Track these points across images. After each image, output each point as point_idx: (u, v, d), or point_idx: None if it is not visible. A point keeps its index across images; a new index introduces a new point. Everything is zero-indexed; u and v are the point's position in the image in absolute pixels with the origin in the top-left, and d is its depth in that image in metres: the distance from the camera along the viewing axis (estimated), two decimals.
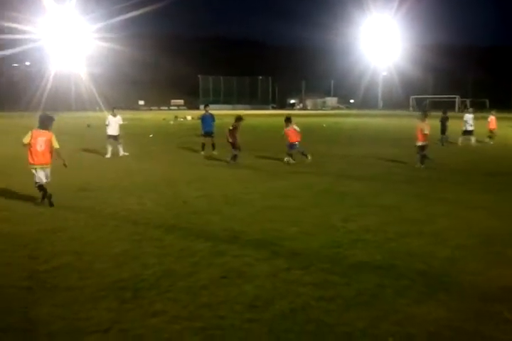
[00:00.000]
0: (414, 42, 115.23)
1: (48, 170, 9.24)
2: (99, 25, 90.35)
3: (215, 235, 7.21)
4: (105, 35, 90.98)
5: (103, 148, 17.65)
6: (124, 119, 18.37)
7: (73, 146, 19.79)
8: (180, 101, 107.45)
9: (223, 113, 61.57)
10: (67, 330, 4.32)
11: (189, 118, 50.14)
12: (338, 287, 5.25)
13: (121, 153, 17.35)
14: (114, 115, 17.41)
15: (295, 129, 15.47)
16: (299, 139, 15.36)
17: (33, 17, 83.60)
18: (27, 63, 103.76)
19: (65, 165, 9.33)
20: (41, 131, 9.15)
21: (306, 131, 32.12)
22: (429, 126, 14.42)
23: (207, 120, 18.36)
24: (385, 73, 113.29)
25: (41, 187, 9.11)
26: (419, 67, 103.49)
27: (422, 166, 14.20)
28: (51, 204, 9.00)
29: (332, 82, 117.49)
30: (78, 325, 4.42)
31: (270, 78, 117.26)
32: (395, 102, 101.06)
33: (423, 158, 14.35)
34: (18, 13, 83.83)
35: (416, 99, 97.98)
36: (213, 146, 17.96)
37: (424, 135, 14.24)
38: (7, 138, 25.23)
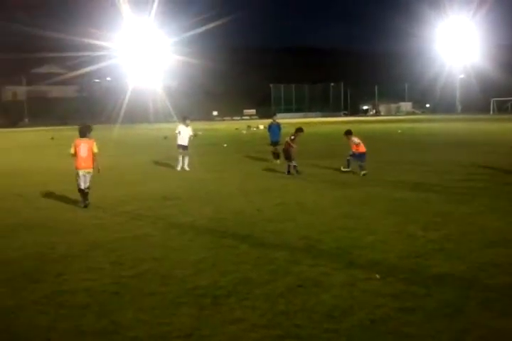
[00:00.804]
0: (494, 42, 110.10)
1: (89, 176, 10.40)
2: (175, 39, 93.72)
3: (291, 243, 7.23)
4: (180, 49, 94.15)
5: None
6: (196, 130, 18.08)
7: (152, 157, 20.59)
8: (253, 111, 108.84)
9: (294, 121, 61.58)
10: (151, 335, 4.49)
11: (261, 127, 50.59)
12: (418, 298, 5.10)
13: (185, 166, 16.64)
14: (187, 125, 17.02)
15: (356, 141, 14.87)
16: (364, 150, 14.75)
17: (113, 33, 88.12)
18: (108, 78, 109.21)
19: (98, 170, 10.42)
20: (82, 139, 10.41)
21: (380, 137, 31.65)
22: None
23: (274, 129, 18.51)
24: (462, 75, 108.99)
25: (81, 191, 10.34)
26: (500, 68, 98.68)
27: None
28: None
29: (406, 86, 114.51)
30: (161, 330, 4.58)
31: (342, 84, 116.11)
32: (475, 106, 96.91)
33: None
34: (98, 29, 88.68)
35: (497, 101, 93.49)
36: (278, 156, 17.77)
37: None
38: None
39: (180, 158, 16.74)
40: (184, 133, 16.88)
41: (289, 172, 14.85)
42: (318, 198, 10.84)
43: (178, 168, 16.64)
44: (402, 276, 5.73)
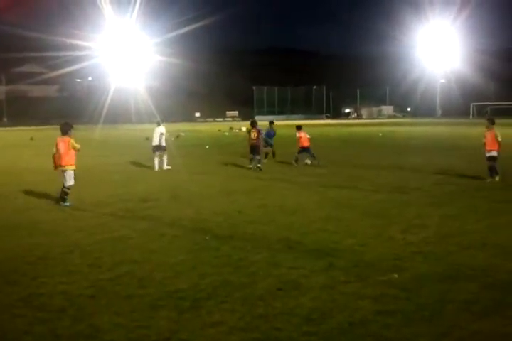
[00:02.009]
0: (474, 47, 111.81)
1: (68, 173, 10.43)
2: (157, 39, 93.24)
3: (271, 245, 7.22)
4: (163, 49, 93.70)
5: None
6: (178, 131, 19.07)
7: (133, 159, 20.42)
8: (235, 113, 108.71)
9: (278, 124, 61.65)
10: (129, 338, 4.43)
11: (244, 129, 50.60)
12: (397, 301, 5.12)
13: (165, 166, 16.91)
14: (158, 124, 17.72)
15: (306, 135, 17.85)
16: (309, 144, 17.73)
17: (95, 33, 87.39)
18: (89, 78, 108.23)
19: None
20: (62, 137, 10.52)
21: (362, 141, 31.90)
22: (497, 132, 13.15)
23: (271, 134, 19.86)
24: (443, 80, 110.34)
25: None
26: (479, 73, 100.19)
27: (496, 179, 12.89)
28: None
29: (387, 89, 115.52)
30: (139, 333, 4.52)
31: (324, 87, 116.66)
32: (455, 110, 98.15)
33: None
34: (80, 30, 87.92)
35: (477, 106, 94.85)
36: (266, 155, 19.09)
37: (499, 143, 12.98)
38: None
39: (156, 159, 16.95)
40: (156, 134, 17.20)
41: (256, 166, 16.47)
42: (299, 200, 10.85)
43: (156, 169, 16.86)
44: (381, 279, 5.74)
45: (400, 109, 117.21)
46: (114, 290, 5.56)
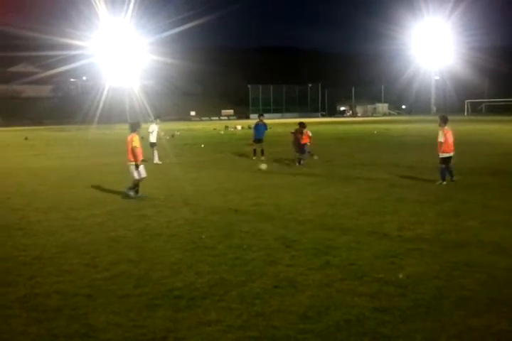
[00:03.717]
0: (468, 44, 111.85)
1: (130, 168, 11.14)
2: (152, 39, 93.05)
3: (268, 244, 7.22)
4: (157, 49, 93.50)
5: (159, 158, 18.27)
6: (173, 131, 19.76)
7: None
8: (230, 112, 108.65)
9: (273, 122, 61.70)
10: (125, 338, 4.43)
11: (239, 128, 50.60)
12: (393, 298, 5.14)
13: (156, 160, 18.47)
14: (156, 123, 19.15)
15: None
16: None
17: (89, 33, 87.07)
18: (84, 78, 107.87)
19: (137, 164, 11.10)
20: (132, 134, 11.28)
21: (357, 138, 31.92)
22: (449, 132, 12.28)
23: (260, 128, 19.38)
24: (437, 77, 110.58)
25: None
26: (474, 71, 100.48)
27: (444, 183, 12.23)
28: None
29: (382, 87, 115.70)
30: (135, 332, 4.52)
31: (320, 85, 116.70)
32: (449, 107, 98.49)
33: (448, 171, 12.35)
34: (74, 29, 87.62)
35: (471, 103, 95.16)
36: (262, 152, 19.11)
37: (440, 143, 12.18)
38: (70, 151, 26.30)
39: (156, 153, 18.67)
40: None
41: (299, 163, 16.87)
42: (295, 198, 10.86)
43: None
44: (378, 276, 5.76)
45: (395, 106, 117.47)
46: (111, 289, 5.55)
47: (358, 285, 5.50)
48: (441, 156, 12.25)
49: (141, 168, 11.20)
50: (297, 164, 16.87)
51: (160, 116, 20.83)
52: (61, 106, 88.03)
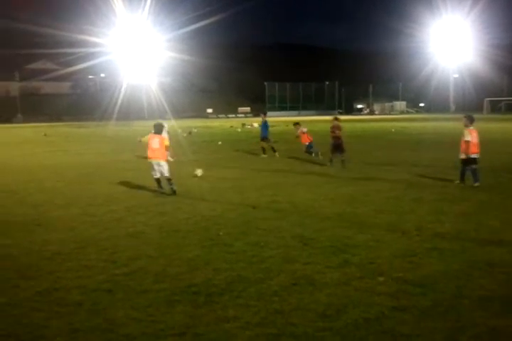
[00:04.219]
0: (487, 42, 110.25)
1: (164, 165, 11.48)
2: (169, 36, 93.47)
3: (285, 241, 7.22)
4: (174, 46, 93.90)
5: (176, 155, 18.31)
6: (190, 128, 19.18)
7: (144, 155, 20.49)
8: (247, 109, 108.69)
9: (289, 119, 61.49)
10: (145, 333, 4.47)
11: (256, 125, 50.53)
12: (413, 297, 5.10)
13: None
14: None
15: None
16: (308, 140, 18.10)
17: (107, 30, 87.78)
18: (102, 75, 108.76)
19: (168, 159, 11.86)
20: (155, 135, 11.69)
21: (374, 136, 31.70)
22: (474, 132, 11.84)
23: (263, 126, 19.86)
24: (456, 75, 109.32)
25: (157, 180, 11.60)
26: (493, 68, 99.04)
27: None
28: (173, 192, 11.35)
29: (400, 85, 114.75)
30: (155, 327, 4.55)
31: (337, 83, 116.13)
32: (468, 105, 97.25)
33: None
34: (93, 27, 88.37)
35: (491, 101, 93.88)
36: (273, 149, 19.34)
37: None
38: (89, 147, 26.56)
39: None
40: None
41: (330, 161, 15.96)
42: (312, 196, 10.83)
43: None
44: (397, 275, 5.73)
45: (413, 104, 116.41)
46: (130, 284, 5.61)
47: (377, 283, 5.48)
48: (466, 157, 11.72)
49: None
50: (328, 163, 15.93)
51: (162, 116, 20.69)
52: (80, 102, 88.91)
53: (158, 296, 5.25)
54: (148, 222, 8.60)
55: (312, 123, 56.43)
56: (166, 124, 17.91)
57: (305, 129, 18.50)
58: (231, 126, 49.67)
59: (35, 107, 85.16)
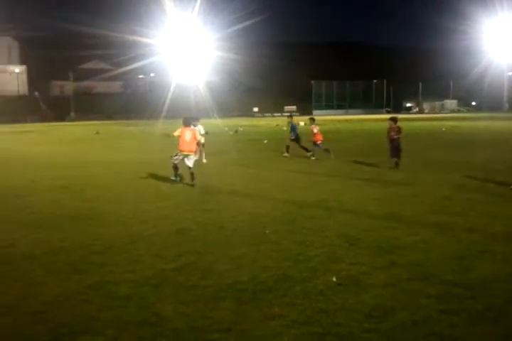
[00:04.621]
0: None
1: (192, 158, 12.21)
2: (217, 35, 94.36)
3: (331, 241, 7.18)
4: (222, 45, 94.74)
5: (220, 154, 18.47)
6: (237, 126, 18.03)
7: None
8: (293, 108, 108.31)
9: (336, 118, 60.92)
10: (192, 327, 4.55)
11: (302, 124, 50.27)
12: (462, 300, 4.98)
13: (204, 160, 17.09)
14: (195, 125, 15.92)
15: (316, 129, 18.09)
16: (321, 139, 18.06)
17: (158, 30, 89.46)
18: (152, 74, 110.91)
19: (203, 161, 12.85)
20: (187, 127, 12.38)
21: (424, 136, 30.98)
22: None
23: (293, 128, 19.94)
24: (510, 73, 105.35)
25: (175, 166, 12.38)
26: None
27: None
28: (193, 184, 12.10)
29: (451, 83, 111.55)
30: (201, 322, 4.63)
31: (385, 81, 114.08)
32: None
33: None
34: (143, 27, 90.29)
35: None
36: (305, 149, 19.04)
37: None
38: (138, 145, 27.16)
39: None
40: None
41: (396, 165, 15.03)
42: (359, 195, 10.71)
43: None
44: (446, 278, 5.60)
45: (465, 103, 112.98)
46: (178, 280, 5.72)
47: (425, 286, 5.37)
48: None
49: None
50: (394, 166, 14.90)
51: (197, 117, 17.29)
52: (130, 101, 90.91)
53: (205, 292, 5.33)
54: (195, 219, 8.73)
55: (359, 122, 55.74)
56: (200, 126, 16.40)
57: (316, 129, 18.30)
58: (277, 125, 49.60)
59: (87, 106, 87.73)
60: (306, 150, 18.88)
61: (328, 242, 7.11)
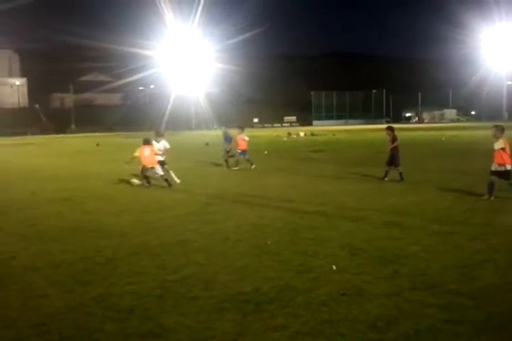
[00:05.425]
0: None
1: (157, 168, 14.44)
2: (217, 47, 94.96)
3: (333, 251, 7.17)
4: (222, 56, 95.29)
5: (221, 165, 18.52)
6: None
7: (192, 164, 20.85)
8: (293, 118, 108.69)
9: (335, 128, 61.12)
10: (194, 339, 4.53)
11: (302, 134, 50.57)
12: (466, 310, 4.97)
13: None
14: (158, 141, 15.34)
15: (244, 138, 18.72)
16: (246, 147, 18.75)
17: (157, 42, 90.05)
18: (152, 86, 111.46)
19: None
20: (146, 146, 14.70)
21: (424, 145, 31.06)
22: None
23: (228, 139, 20.20)
24: (509, 82, 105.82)
25: (145, 177, 14.54)
26: None
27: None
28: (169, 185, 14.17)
29: (450, 92, 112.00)
30: (204, 334, 4.61)
31: (384, 91, 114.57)
32: None
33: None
34: (144, 39, 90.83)
35: None
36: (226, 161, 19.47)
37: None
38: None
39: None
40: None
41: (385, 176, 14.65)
42: (360, 205, 10.71)
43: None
44: (449, 287, 5.59)
45: (464, 112, 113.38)
46: (180, 291, 5.71)
47: (429, 295, 5.36)
48: (499, 169, 11.07)
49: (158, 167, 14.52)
50: (385, 178, 14.57)
51: (162, 133, 16.29)
52: (130, 113, 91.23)
53: (208, 303, 5.32)
54: (198, 230, 8.73)
55: (360, 132, 55.88)
56: (164, 141, 15.40)
57: (243, 138, 18.84)
58: (277, 136, 49.80)
59: (87, 118, 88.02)
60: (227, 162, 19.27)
61: (330, 252, 7.10)
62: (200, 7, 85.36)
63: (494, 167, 11.23)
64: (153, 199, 12.35)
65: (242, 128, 19.78)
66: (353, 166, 18.34)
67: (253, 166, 18.54)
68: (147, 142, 14.94)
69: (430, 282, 5.76)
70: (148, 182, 14.52)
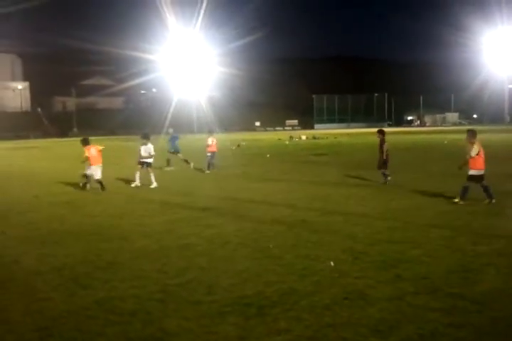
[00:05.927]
0: None
1: (99, 169, 14.51)
2: (219, 50, 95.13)
3: (335, 255, 7.16)
4: (224, 60, 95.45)
5: (224, 168, 18.52)
6: (239, 141, 17.34)
7: (200, 165, 20.86)
8: (295, 122, 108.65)
9: (337, 132, 61.03)
10: None
11: (304, 138, 50.52)
12: (468, 314, 4.96)
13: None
14: (145, 144, 15.45)
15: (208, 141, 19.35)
16: (213, 150, 19.39)
17: (160, 46, 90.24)
18: (154, 90, 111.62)
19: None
20: (88, 146, 14.70)
21: (426, 148, 31.00)
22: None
23: (173, 139, 21.73)
24: (511, 85, 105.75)
25: (85, 175, 14.78)
26: None
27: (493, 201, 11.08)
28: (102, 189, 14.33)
29: (452, 96, 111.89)
30: (207, 338, 4.61)
31: (386, 94, 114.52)
32: None
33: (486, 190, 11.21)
34: (146, 43, 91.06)
35: None
36: (186, 161, 20.76)
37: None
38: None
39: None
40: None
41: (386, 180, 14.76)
42: (362, 209, 10.71)
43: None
44: (451, 291, 5.58)
45: (466, 115, 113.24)
46: (182, 295, 5.70)
47: (431, 299, 5.35)
48: (477, 173, 11.30)
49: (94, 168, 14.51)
50: (386, 181, 14.69)
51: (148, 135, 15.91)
52: (132, 117, 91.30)
53: (210, 307, 5.31)
54: (199, 234, 8.72)
55: (362, 135, 55.84)
56: (150, 145, 15.42)
57: (212, 141, 19.39)
58: (279, 139, 49.77)
59: (89, 121, 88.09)
60: (187, 161, 20.48)
61: (332, 256, 7.09)
62: (202, 11, 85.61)
63: (473, 172, 11.35)
64: (154, 202, 12.35)
65: (210, 132, 20.64)
66: (355, 169, 18.32)
67: (190, 165, 20.18)
68: (87, 142, 14.87)
69: (432, 286, 5.75)
70: (86, 184, 14.76)
